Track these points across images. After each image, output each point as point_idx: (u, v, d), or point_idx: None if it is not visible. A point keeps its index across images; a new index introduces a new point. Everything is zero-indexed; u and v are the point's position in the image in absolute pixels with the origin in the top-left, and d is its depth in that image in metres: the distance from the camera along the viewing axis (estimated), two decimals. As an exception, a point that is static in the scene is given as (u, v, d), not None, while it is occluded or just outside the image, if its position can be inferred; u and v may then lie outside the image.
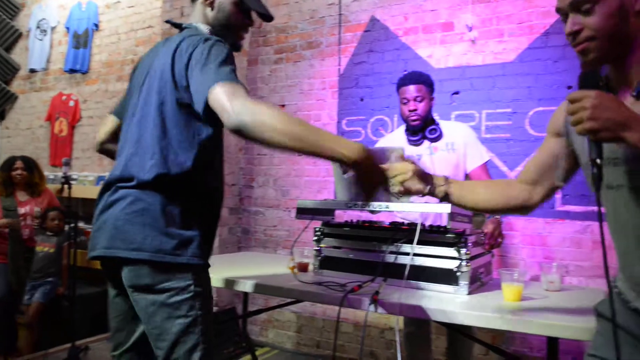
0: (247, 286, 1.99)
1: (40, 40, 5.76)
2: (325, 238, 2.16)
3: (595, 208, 1.04)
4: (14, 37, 6.01)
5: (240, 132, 1.25)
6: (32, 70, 5.83)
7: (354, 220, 2.21)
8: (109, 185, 1.46)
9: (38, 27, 5.78)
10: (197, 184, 1.47)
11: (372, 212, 2.01)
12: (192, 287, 1.39)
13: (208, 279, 1.49)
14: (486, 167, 2.58)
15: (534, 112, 3.17)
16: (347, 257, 2.08)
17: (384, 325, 3.59)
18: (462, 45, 3.43)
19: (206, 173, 1.50)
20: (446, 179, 1.48)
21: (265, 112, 1.24)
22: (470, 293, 1.81)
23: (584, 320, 1.39)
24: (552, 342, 1.65)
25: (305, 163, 4.02)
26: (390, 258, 1.93)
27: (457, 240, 1.83)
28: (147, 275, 1.37)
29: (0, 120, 6.12)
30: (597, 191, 0.95)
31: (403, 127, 2.66)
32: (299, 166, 4.06)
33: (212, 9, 1.58)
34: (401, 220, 2.17)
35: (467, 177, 2.57)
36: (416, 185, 1.44)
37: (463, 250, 1.81)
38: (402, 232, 1.96)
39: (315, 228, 2.18)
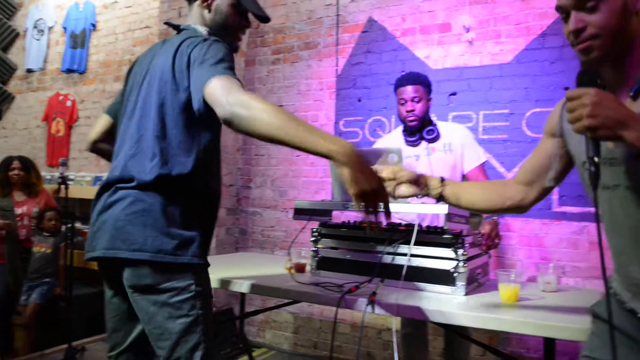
0: (244, 287, 1.99)
1: (38, 40, 5.76)
2: (323, 239, 2.16)
3: (591, 209, 1.04)
4: (11, 37, 6.00)
5: (232, 123, 1.25)
6: (29, 70, 5.82)
7: (352, 221, 2.21)
8: (107, 186, 1.45)
9: (35, 27, 5.77)
10: (197, 184, 1.47)
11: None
12: (193, 287, 1.40)
13: (208, 279, 1.49)
14: (483, 168, 2.58)
15: (531, 113, 3.18)
16: (344, 257, 2.08)
17: (381, 326, 3.59)
18: (459, 46, 3.43)
19: (206, 174, 1.51)
20: (442, 180, 1.49)
21: (258, 105, 1.23)
22: (467, 294, 1.82)
23: (581, 321, 1.39)
24: (549, 343, 1.65)
25: (302, 164, 4.03)
26: (388, 259, 1.93)
27: (454, 241, 1.83)
28: (148, 276, 1.37)
29: (-3, 121, 6.12)
30: (595, 190, 0.95)
31: (400, 128, 2.66)
32: (297, 167, 4.06)
33: (210, 11, 1.59)
34: (398, 221, 2.17)
35: (464, 178, 2.58)
36: (405, 191, 1.49)
37: (460, 251, 1.82)
38: (400, 233, 1.96)
39: (313, 229, 2.18)
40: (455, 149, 2.54)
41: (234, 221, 4.33)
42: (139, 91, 1.51)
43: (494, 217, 2.33)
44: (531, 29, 3.20)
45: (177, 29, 1.61)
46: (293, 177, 4.09)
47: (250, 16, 1.65)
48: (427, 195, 1.51)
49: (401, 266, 1.84)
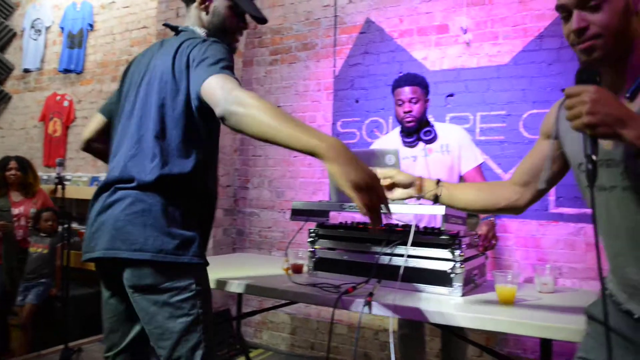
0: (241, 288, 1.99)
1: (35, 40, 5.74)
2: (320, 239, 2.16)
3: (588, 210, 1.04)
4: (8, 36, 6.00)
5: (228, 121, 1.25)
6: (26, 70, 5.81)
7: (349, 222, 2.21)
8: (106, 187, 1.45)
9: (32, 27, 5.76)
10: (197, 184, 1.48)
11: (367, 213, 2.00)
12: (193, 286, 1.40)
13: (207, 278, 1.50)
14: (480, 169, 2.59)
15: (528, 114, 3.18)
16: (341, 258, 2.08)
17: (378, 327, 3.59)
18: (456, 47, 3.44)
19: (205, 174, 1.51)
20: (438, 181, 1.51)
21: (254, 102, 1.22)
22: (464, 295, 1.82)
23: (578, 322, 1.39)
24: (546, 344, 1.66)
25: (300, 165, 4.03)
26: (385, 260, 1.93)
27: (451, 242, 1.84)
28: (149, 276, 1.37)
29: (-6, 120, 6.10)
30: (591, 188, 0.94)
31: (398, 129, 2.66)
32: (294, 167, 4.07)
33: (207, 13, 1.59)
34: (395, 222, 2.17)
35: (461, 179, 2.58)
36: (401, 194, 1.53)
37: (457, 252, 1.82)
38: (397, 233, 1.96)
39: (310, 229, 2.18)
40: (453, 150, 2.54)
41: (231, 222, 4.33)
42: (138, 91, 1.51)
43: (491, 218, 2.33)
44: (528, 31, 3.21)
45: (176, 30, 1.61)
46: (290, 177, 4.09)
47: (248, 17, 1.65)
48: (422, 197, 1.53)
49: (398, 267, 1.84)
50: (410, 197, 1.55)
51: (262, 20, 1.65)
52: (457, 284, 1.81)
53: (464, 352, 2.70)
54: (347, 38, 3.88)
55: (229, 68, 1.35)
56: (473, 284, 1.96)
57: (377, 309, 1.68)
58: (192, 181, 1.46)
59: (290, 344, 4.02)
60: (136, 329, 1.52)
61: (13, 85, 5.99)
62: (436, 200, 1.50)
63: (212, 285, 2.01)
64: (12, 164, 4.09)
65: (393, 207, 1.88)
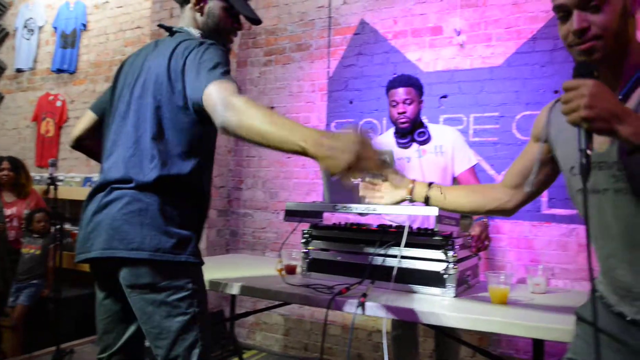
0: (234, 289, 1.99)
1: (28, 39, 5.71)
2: (313, 240, 2.16)
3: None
4: (1, 36, 5.96)
5: (226, 130, 1.26)
6: (19, 70, 5.77)
7: (342, 223, 2.21)
8: (102, 187, 1.45)
9: (25, 27, 5.73)
10: (193, 185, 1.49)
11: (361, 214, 2.01)
12: (190, 285, 1.41)
13: (203, 278, 1.50)
14: (474, 170, 2.60)
15: (521, 116, 3.20)
16: (335, 259, 2.08)
17: (372, 328, 3.60)
18: (450, 49, 3.45)
19: (202, 175, 1.52)
20: (429, 184, 1.54)
21: (247, 110, 1.23)
22: (457, 295, 1.82)
23: (570, 323, 1.39)
24: (538, 344, 1.67)
25: (294, 165, 4.03)
26: (378, 260, 1.93)
27: (445, 242, 1.84)
28: (146, 275, 1.37)
29: (-14, 120, 6.06)
30: (585, 183, 0.93)
31: (392, 130, 2.67)
32: (288, 168, 4.06)
33: (202, 14, 1.59)
34: (389, 223, 2.18)
35: (455, 180, 2.59)
36: (392, 197, 1.58)
37: (450, 253, 1.82)
38: (390, 234, 1.96)
39: (304, 230, 2.18)
40: (446, 152, 2.55)
41: (225, 223, 4.32)
42: (132, 92, 1.51)
43: (484, 219, 2.34)
44: (522, 33, 3.22)
45: (170, 31, 1.61)
46: (284, 178, 4.09)
47: (242, 18, 1.65)
48: (412, 200, 1.55)
49: (391, 268, 1.85)
50: (403, 200, 1.58)
51: (256, 21, 1.65)
52: (450, 285, 1.82)
53: (457, 352, 2.70)
54: (342, 39, 3.88)
55: (227, 72, 1.36)
56: (466, 284, 1.96)
57: (370, 310, 1.68)
58: (189, 182, 1.46)
59: (284, 345, 4.02)
60: (131, 329, 1.52)
61: (5, 85, 5.95)
62: (427, 202, 1.52)
63: (205, 286, 2.01)
64: (5, 164, 4.07)
65: (386, 209, 1.89)
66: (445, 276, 1.83)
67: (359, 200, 1.70)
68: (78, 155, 5.16)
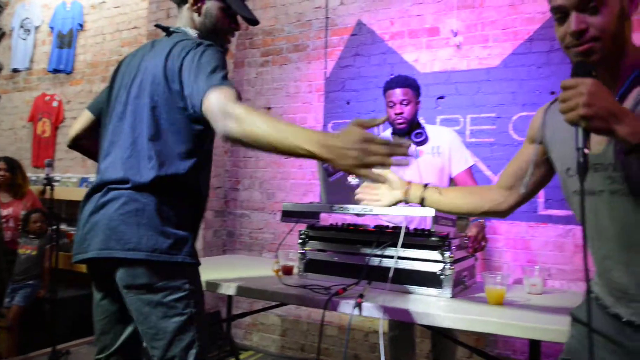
0: (231, 289, 1.98)
1: (24, 39, 5.70)
2: (310, 241, 2.16)
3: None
4: (-3, 36, 5.95)
5: (228, 139, 1.27)
6: (15, 70, 5.76)
7: (339, 223, 2.21)
8: (99, 187, 1.45)
9: (22, 27, 5.72)
10: (191, 185, 1.49)
11: (358, 215, 2.01)
12: (187, 286, 1.40)
13: (200, 278, 1.50)
14: (471, 171, 2.60)
15: (517, 117, 3.21)
16: (331, 260, 2.08)
17: (368, 329, 3.60)
18: (447, 50, 3.45)
19: (200, 175, 1.52)
20: (425, 185, 1.54)
21: (249, 120, 1.23)
22: (453, 296, 1.83)
23: (566, 323, 1.40)
24: (535, 345, 1.67)
25: (290, 166, 4.02)
26: (375, 261, 1.94)
27: (441, 243, 1.85)
28: (143, 275, 1.37)
29: (-18, 121, 6.04)
30: (582, 182, 0.93)
31: (389, 131, 2.67)
32: (285, 169, 4.06)
33: (199, 14, 1.59)
34: (386, 224, 2.18)
35: (452, 181, 2.59)
36: (388, 200, 1.60)
37: (447, 254, 1.83)
38: (387, 235, 1.96)
39: (300, 231, 2.18)
40: (444, 152, 2.55)
41: (222, 223, 4.32)
42: (129, 92, 1.50)
43: (481, 220, 2.34)
44: (518, 34, 3.23)
45: (167, 31, 1.61)
46: (281, 179, 4.09)
47: (240, 19, 1.65)
48: (408, 201, 1.55)
49: (388, 268, 1.85)
50: (398, 201, 1.58)
51: (253, 21, 1.65)
52: (447, 286, 1.82)
53: (453, 353, 2.71)
54: (338, 40, 3.88)
55: (226, 77, 1.36)
56: (463, 285, 1.97)
57: (367, 311, 1.68)
58: (187, 182, 1.46)
59: (281, 345, 4.01)
60: (128, 330, 1.52)
61: (1, 85, 5.93)
62: (422, 203, 1.52)
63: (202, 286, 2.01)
64: (1, 164, 4.06)
65: (384, 209, 1.89)
66: (442, 277, 1.83)
67: (356, 201, 1.71)
68: (74, 156, 5.15)
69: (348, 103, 3.81)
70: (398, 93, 2.51)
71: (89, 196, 1.47)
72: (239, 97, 1.31)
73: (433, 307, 1.68)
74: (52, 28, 5.45)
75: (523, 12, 3.22)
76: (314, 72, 3.98)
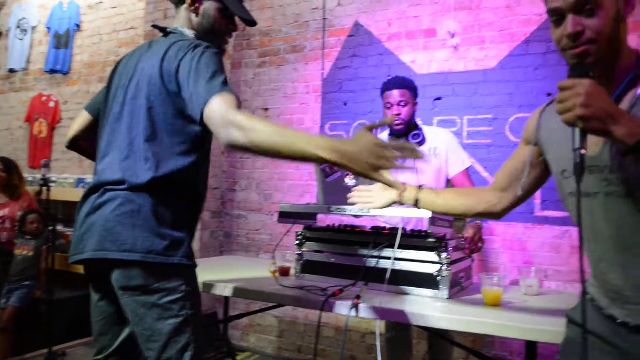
0: (228, 290, 1.98)
1: (20, 39, 5.69)
2: (307, 242, 2.16)
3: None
4: (-7, 36, 5.93)
5: (233, 149, 1.27)
6: (12, 70, 5.74)
7: (336, 224, 2.21)
8: (96, 188, 1.45)
9: (18, 27, 5.70)
10: (187, 186, 1.48)
11: (355, 216, 2.02)
12: (183, 287, 1.40)
13: (196, 280, 1.49)
14: (468, 172, 2.60)
15: (514, 118, 3.21)
16: (328, 261, 2.08)
17: (365, 330, 3.60)
18: (444, 51, 3.46)
19: (196, 176, 1.51)
20: (419, 187, 1.54)
21: (258, 129, 1.23)
22: (450, 297, 1.83)
23: (562, 324, 1.40)
24: (531, 346, 1.67)
25: (288, 167, 4.02)
26: (372, 262, 1.94)
27: (438, 244, 1.85)
28: (138, 276, 1.36)
29: (-22, 121, 6.02)
30: (578, 182, 0.93)
31: (386, 132, 2.67)
32: (282, 170, 4.06)
33: (197, 15, 1.59)
34: (383, 225, 2.18)
35: (449, 182, 2.60)
36: (384, 201, 1.61)
37: (443, 255, 1.83)
38: (384, 236, 1.96)
39: (297, 232, 2.18)
40: (440, 154, 2.56)
41: (218, 224, 4.31)
42: (125, 93, 1.50)
43: (477, 221, 2.35)
44: (515, 35, 3.24)
45: (164, 31, 1.61)
46: (278, 180, 4.09)
47: (237, 19, 1.65)
48: (402, 203, 1.56)
49: (385, 269, 1.85)
50: (392, 202, 1.59)
51: (251, 22, 1.65)
52: (444, 287, 1.82)
53: (450, 354, 2.71)
54: (336, 41, 3.89)
55: (225, 82, 1.35)
56: (459, 286, 1.97)
57: (364, 312, 1.68)
58: (183, 183, 1.46)
59: (278, 346, 4.01)
60: (126, 331, 1.51)
61: (-2, 85, 5.92)
62: (416, 204, 1.52)
63: (199, 288, 2.01)
64: (-3, 164, 4.04)
65: (380, 211, 1.89)
66: (438, 278, 1.83)
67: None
68: (71, 156, 5.14)
69: (345, 104, 3.82)
70: (395, 94, 2.52)
71: (86, 197, 1.47)
72: (239, 103, 1.31)
73: (430, 308, 1.68)
74: (48, 28, 5.44)
75: (520, 13, 3.23)
76: (311, 73, 3.99)
